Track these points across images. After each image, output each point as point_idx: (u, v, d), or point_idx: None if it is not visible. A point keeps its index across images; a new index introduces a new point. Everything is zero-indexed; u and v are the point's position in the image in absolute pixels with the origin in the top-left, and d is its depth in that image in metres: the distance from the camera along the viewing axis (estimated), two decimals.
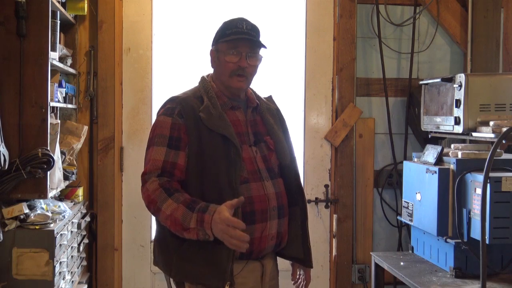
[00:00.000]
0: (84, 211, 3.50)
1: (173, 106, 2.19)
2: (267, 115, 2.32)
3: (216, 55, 2.24)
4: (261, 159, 2.22)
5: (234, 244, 1.96)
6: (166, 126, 2.15)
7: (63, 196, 3.39)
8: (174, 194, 2.05)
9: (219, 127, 2.13)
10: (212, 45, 2.28)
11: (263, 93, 2.47)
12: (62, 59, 3.34)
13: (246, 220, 2.08)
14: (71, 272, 3.14)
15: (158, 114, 2.22)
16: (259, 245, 2.15)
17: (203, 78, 2.30)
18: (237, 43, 2.18)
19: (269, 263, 2.27)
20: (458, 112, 2.95)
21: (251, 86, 2.37)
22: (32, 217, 2.73)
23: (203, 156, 2.12)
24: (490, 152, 2.34)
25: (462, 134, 2.95)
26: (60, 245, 2.83)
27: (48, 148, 2.77)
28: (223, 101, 2.23)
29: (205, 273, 2.09)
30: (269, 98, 2.42)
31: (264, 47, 2.24)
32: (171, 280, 2.26)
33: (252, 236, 2.09)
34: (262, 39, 2.28)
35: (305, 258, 2.32)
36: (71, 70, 3.45)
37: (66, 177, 3.25)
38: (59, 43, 3.16)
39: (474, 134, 2.86)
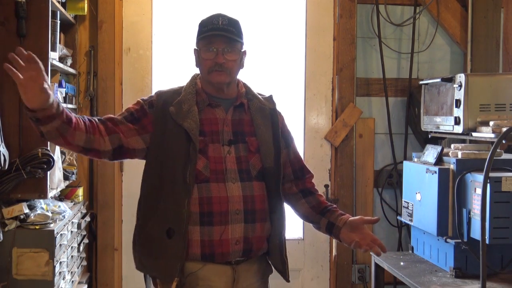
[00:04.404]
0: (84, 211, 3.50)
1: (152, 96, 2.23)
2: (256, 115, 2.24)
3: (197, 53, 2.21)
4: (234, 159, 2.15)
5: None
6: (136, 105, 2.19)
7: (63, 196, 3.39)
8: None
9: (183, 121, 2.11)
10: (195, 44, 2.24)
11: (265, 92, 2.40)
12: (62, 59, 3.34)
13: (203, 220, 2.07)
14: (71, 272, 3.14)
15: None
16: (221, 248, 2.08)
17: (193, 75, 2.29)
18: (212, 39, 2.14)
19: (245, 271, 2.17)
20: (458, 112, 2.95)
21: (249, 83, 2.33)
22: (32, 217, 2.73)
23: (164, 149, 2.11)
24: (490, 152, 2.35)
25: (462, 134, 2.95)
26: (60, 245, 2.83)
27: (48, 148, 2.76)
28: (201, 98, 2.19)
29: (158, 266, 2.11)
30: (268, 98, 2.33)
31: (239, 42, 2.17)
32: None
33: (210, 238, 2.07)
34: (245, 32, 2.22)
35: (283, 269, 2.24)
36: (71, 70, 3.45)
37: (66, 177, 3.25)
38: (59, 43, 3.15)
39: (474, 134, 2.86)
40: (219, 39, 2.14)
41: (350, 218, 2.21)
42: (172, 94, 2.20)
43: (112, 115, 2.17)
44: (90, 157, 2.16)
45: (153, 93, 2.28)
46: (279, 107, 2.37)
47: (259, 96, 2.31)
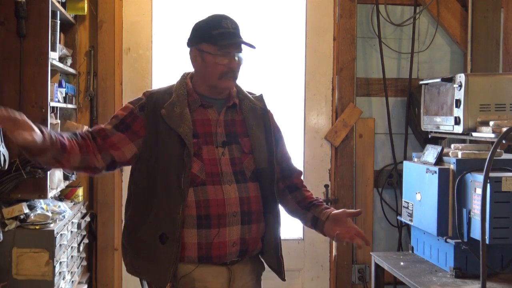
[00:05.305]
0: (84, 211, 3.50)
1: (141, 98, 2.19)
2: (248, 115, 2.22)
3: (201, 55, 2.14)
4: (229, 161, 2.13)
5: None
6: (125, 110, 2.15)
7: (63, 196, 3.39)
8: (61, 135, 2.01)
9: (177, 125, 2.08)
10: (193, 44, 2.17)
11: (259, 92, 2.37)
12: (62, 59, 3.34)
13: (201, 223, 2.06)
14: (71, 272, 3.14)
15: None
16: (218, 250, 2.08)
17: (183, 75, 2.24)
18: (230, 48, 2.11)
19: (240, 270, 2.17)
20: (458, 112, 2.95)
21: (242, 83, 2.30)
22: (32, 217, 2.73)
23: (157, 154, 2.09)
24: (490, 152, 2.35)
25: (462, 134, 2.95)
26: (60, 245, 2.83)
27: None
28: (193, 99, 2.15)
29: (150, 271, 2.09)
30: (258, 97, 2.30)
31: (253, 47, 2.14)
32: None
33: (208, 241, 2.06)
34: (245, 32, 2.20)
35: (278, 269, 2.24)
36: (71, 70, 3.45)
37: (66, 177, 3.25)
38: (59, 43, 3.16)
39: (474, 134, 2.86)
40: (234, 46, 2.12)
41: (333, 212, 2.20)
42: (163, 94, 2.17)
43: (102, 126, 2.13)
44: (83, 173, 2.15)
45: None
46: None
47: (250, 96, 2.28)
